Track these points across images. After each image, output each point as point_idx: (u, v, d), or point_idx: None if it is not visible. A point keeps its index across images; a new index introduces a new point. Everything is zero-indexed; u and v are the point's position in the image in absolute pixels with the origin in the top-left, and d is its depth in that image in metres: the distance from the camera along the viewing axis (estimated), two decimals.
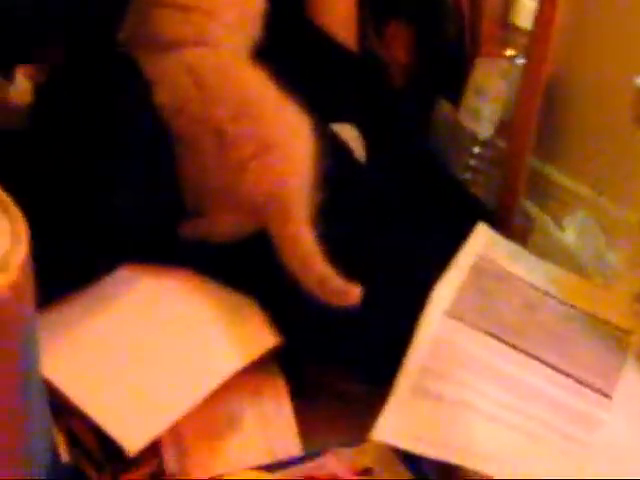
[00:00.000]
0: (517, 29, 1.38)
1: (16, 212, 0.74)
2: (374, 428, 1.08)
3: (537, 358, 1.19)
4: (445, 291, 1.23)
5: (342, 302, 1.09)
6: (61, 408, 1.03)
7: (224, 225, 1.12)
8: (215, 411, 1.12)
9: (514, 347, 1.20)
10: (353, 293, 1.10)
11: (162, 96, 1.13)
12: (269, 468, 1.08)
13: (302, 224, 1.10)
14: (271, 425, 1.15)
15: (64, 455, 1.01)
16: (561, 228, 1.45)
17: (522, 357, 1.19)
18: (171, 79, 1.13)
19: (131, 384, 1.08)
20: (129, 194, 1.13)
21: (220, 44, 1.18)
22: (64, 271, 1.08)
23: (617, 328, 1.29)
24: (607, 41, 1.35)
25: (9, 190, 0.77)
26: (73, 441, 1.05)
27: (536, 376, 1.17)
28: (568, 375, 1.18)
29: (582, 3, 1.36)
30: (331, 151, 1.18)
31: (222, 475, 1.06)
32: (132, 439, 1.03)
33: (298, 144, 1.14)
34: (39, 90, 1.22)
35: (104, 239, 1.11)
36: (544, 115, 1.39)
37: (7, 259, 0.70)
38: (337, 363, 1.18)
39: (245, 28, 1.20)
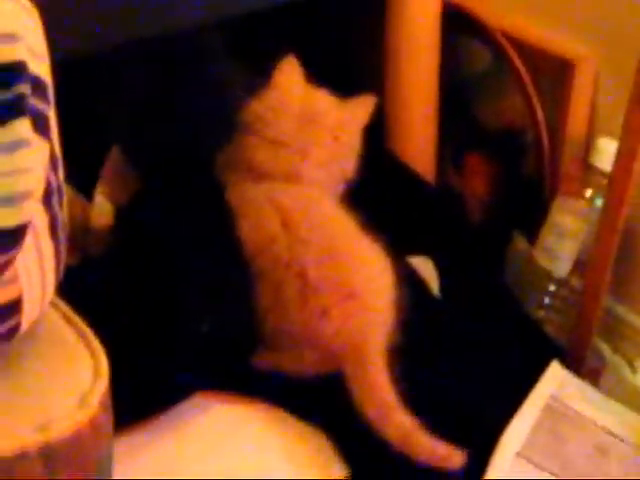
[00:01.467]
0: (597, 170, 1.37)
1: (97, 346, 0.75)
2: None
3: None
4: (517, 432, 1.23)
5: (435, 462, 1.09)
6: None
7: (302, 363, 1.13)
8: None
9: None
10: (448, 455, 1.09)
11: (247, 231, 1.13)
12: None
13: (380, 373, 1.10)
14: None
15: None
16: (633, 370, 1.42)
17: None
18: (258, 213, 1.14)
19: None
20: (212, 323, 1.12)
21: (311, 182, 1.18)
22: (145, 395, 1.09)
23: None
24: None
25: (91, 318, 0.78)
26: None
27: None
28: None
29: None
30: (407, 285, 1.18)
31: None
32: None
33: (380, 293, 1.15)
34: (120, 212, 1.20)
35: (183, 367, 1.11)
36: (621, 257, 1.37)
37: (88, 395, 0.70)
38: None
39: (337, 168, 1.20)
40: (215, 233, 1.14)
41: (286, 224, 1.13)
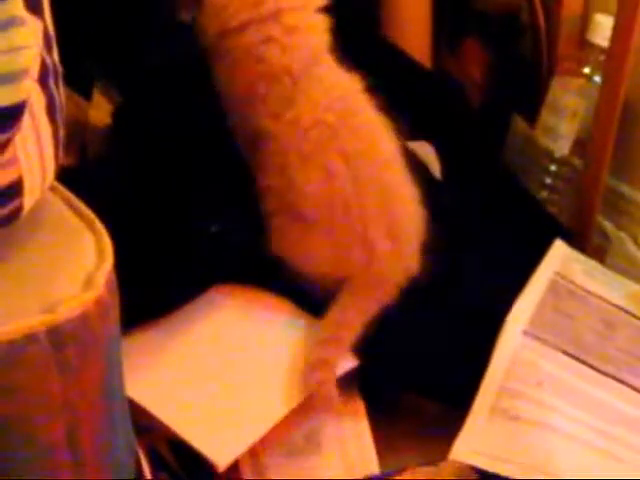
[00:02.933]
0: (594, 47, 1.37)
1: (101, 228, 0.76)
2: (452, 448, 1.08)
3: (616, 379, 1.18)
4: (523, 310, 1.23)
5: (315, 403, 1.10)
6: (142, 428, 1.03)
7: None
8: (293, 429, 1.12)
9: (592, 367, 1.19)
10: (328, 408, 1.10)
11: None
12: None
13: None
14: (349, 444, 1.15)
15: (146, 472, 1.00)
16: (638, 245, 1.42)
17: (601, 377, 1.18)
18: None
19: (216, 402, 1.09)
20: (223, 220, 1.14)
21: None
22: (158, 293, 1.11)
23: None
24: None
25: (99, 213, 0.78)
26: (154, 460, 1.06)
27: (616, 397, 1.17)
28: None
29: None
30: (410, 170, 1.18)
31: None
32: (220, 454, 1.05)
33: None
34: (120, 111, 1.20)
35: (197, 263, 1.13)
36: (621, 133, 1.38)
37: (93, 275, 0.71)
38: (415, 385, 1.17)
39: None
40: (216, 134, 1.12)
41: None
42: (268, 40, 1.08)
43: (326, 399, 1.09)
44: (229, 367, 1.12)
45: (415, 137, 1.39)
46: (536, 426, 1.12)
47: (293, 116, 1.10)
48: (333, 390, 1.08)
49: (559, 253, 1.34)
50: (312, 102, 1.09)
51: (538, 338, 1.21)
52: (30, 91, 0.62)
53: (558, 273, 1.30)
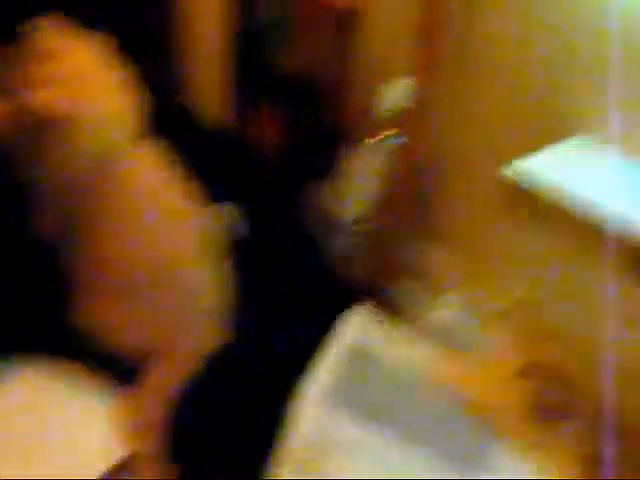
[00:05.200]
0: (391, 111, 1.37)
1: None
2: None
3: (407, 439, 1.21)
4: (322, 377, 1.25)
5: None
6: None
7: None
8: None
9: (389, 431, 1.22)
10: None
11: None
12: None
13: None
14: None
15: None
16: (436, 308, 1.45)
17: (397, 442, 1.21)
18: None
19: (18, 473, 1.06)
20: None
21: None
22: None
23: (487, 408, 1.30)
24: (479, 127, 1.38)
25: None
26: None
27: (406, 456, 1.19)
28: (438, 455, 1.20)
29: (457, 87, 1.39)
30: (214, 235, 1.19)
31: None
32: None
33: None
34: None
35: None
36: (420, 195, 1.40)
37: None
38: (212, 460, 1.16)
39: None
40: None
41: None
42: None
43: (143, 471, 1.08)
44: (30, 439, 1.10)
45: (220, 199, 1.36)
46: None
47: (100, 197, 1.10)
48: (151, 461, 1.08)
49: (357, 318, 1.35)
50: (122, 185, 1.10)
51: (336, 404, 1.22)
52: None
53: (356, 338, 1.32)
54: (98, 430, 1.13)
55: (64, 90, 1.09)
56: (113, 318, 1.16)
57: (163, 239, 1.18)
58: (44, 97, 1.08)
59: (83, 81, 1.13)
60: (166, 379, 1.12)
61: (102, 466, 1.09)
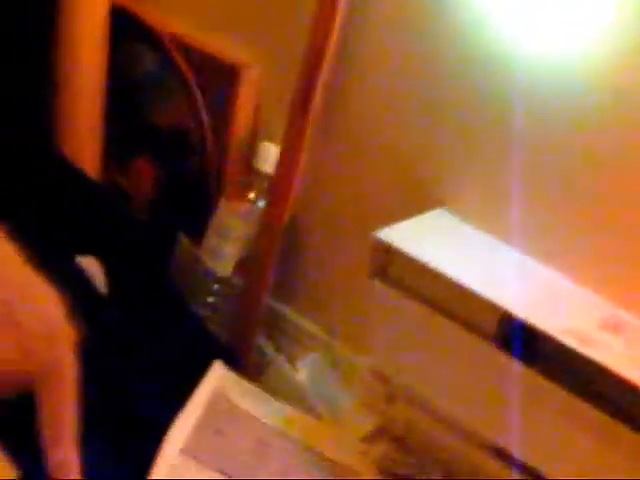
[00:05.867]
0: (260, 173, 1.43)
1: None
2: None
3: None
4: (181, 428, 1.24)
5: None
6: None
7: None
8: None
9: None
10: None
11: None
12: None
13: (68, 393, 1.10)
14: None
15: None
16: (294, 367, 1.48)
17: None
18: None
19: None
20: None
21: None
22: None
23: (347, 468, 1.32)
24: (346, 193, 1.43)
25: None
26: None
27: None
28: None
29: (326, 153, 1.44)
30: (74, 286, 1.17)
31: None
32: None
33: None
34: None
35: None
36: (283, 257, 1.45)
37: None
38: None
39: None
40: None
41: None
42: None
43: None
44: None
45: (84, 251, 1.34)
46: None
47: None
48: None
49: (218, 373, 1.36)
50: None
51: (195, 457, 1.22)
52: None
53: (216, 393, 1.33)
54: None
55: None
56: None
57: None
58: None
59: None
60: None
61: None
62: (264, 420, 1.34)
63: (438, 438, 1.31)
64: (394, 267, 1.23)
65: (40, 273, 1.11)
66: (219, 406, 1.32)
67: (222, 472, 1.22)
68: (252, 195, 1.42)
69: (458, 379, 1.23)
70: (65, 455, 1.07)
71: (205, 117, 1.47)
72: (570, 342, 1.10)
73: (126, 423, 1.19)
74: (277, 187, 1.38)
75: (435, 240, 1.24)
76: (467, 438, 1.25)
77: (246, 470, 1.24)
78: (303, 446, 1.32)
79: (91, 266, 1.35)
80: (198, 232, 1.50)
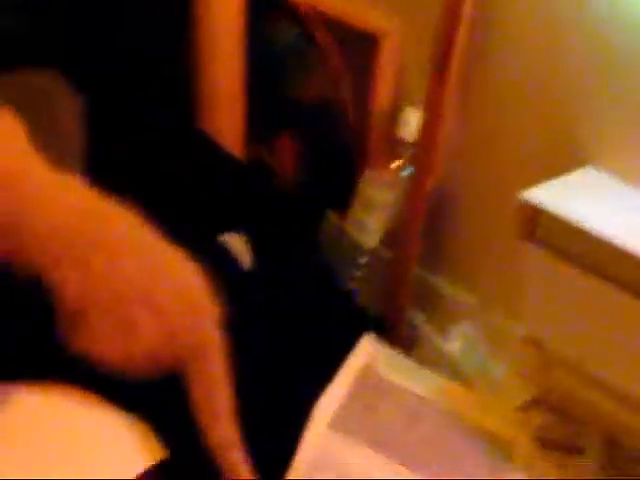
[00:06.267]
0: (403, 141, 1.42)
1: None
2: None
3: (416, 470, 1.20)
4: (329, 402, 1.24)
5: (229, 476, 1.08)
6: None
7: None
8: None
9: (394, 459, 1.21)
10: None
11: None
12: None
13: (220, 373, 1.14)
14: None
15: None
16: (446, 338, 1.46)
17: (401, 468, 1.20)
18: None
19: None
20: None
21: None
22: None
23: (501, 438, 1.29)
24: (490, 155, 1.40)
25: None
26: None
27: None
28: None
29: (469, 117, 1.41)
30: (220, 263, 1.19)
31: None
32: None
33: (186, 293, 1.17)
34: None
35: None
36: (431, 226, 1.42)
37: None
38: None
39: None
40: None
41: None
42: None
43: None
44: (30, 468, 1.08)
45: (229, 228, 1.37)
46: None
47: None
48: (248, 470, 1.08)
49: (367, 346, 1.35)
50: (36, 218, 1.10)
51: (342, 431, 1.21)
52: None
53: (366, 367, 1.31)
54: (124, 439, 1.13)
55: None
56: (94, 340, 1.14)
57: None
58: None
59: None
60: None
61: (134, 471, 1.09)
62: (416, 392, 1.32)
63: (597, 405, 1.27)
64: (542, 228, 1.20)
65: (183, 252, 1.15)
66: (369, 380, 1.31)
67: (370, 446, 1.21)
68: (396, 164, 1.41)
69: (615, 343, 1.19)
70: (225, 432, 1.11)
71: (347, 89, 1.45)
72: None
73: (275, 397, 1.19)
74: (421, 154, 1.37)
75: (583, 198, 1.19)
76: (627, 404, 1.21)
77: (394, 443, 1.23)
78: (457, 417, 1.30)
79: (236, 243, 1.34)
80: (344, 205, 1.49)
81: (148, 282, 1.13)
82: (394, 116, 1.45)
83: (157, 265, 1.15)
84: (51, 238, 1.10)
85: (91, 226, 1.12)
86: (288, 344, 1.29)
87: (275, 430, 1.17)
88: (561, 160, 1.26)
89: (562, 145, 1.28)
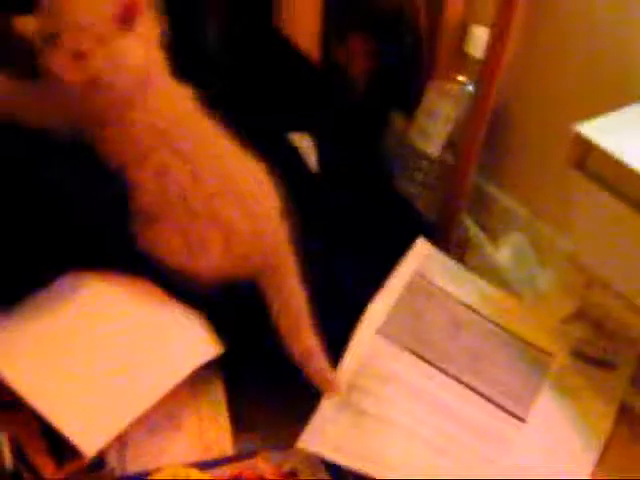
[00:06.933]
0: (470, 56, 1.46)
1: None
2: (300, 436, 1.17)
3: (456, 378, 1.28)
4: (379, 308, 1.30)
5: (322, 387, 1.18)
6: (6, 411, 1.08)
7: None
8: (155, 409, 1.16)
9: (436, 366, 1.28)
10: (335, 383, 1.18)
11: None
12: (202, 465, 1.16)
13: (294, 284, 1.21)
14: (208, 425, 1.22)
15: (8, 460, 1.06)
16: (496, 246, 1.51)
17: (442, 376, 1.27)
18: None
19: (84, 386, 1.12)
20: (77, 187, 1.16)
21: None
22: (11, 277, 1.11)
23: (540, 349, 1.36)
24: (552, 80, 1.42)
25: None
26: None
27: (453, 395, 1.26)
28: (484, 396, 1.26)
29: (534, 41, 1.42)
30: (287, 165, 1.27)
31: (157, 470, 1.12)
32: (88, 441, 1.07)
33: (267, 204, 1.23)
34: None
35: (51, 241, 1.14)
36: (490, 137, 1.47)
37: None
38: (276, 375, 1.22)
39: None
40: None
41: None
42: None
43: (327, 382, 1.19)
44: (97, 352, 1.15)
45: (298, 128, 1.44)
46: (378, 421, 1.20)
47: (128, 122, 1.15)
48: (331, 372, 1.18)
49: (421, 250, 1.40)
50: (145, 111, 1.16)
51: (389, 337, 1.28)
52: None
53: (417, 271, 1.37)
54: (188, 330, 1.19)
55: None
56: (175, 242, 1.20)
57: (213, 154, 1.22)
58: None
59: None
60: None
61: (196, 360, 1.16)
62: (462, 299, 1.38)
63: (633, 325, 1.33)
64: (593, 161, 1.21)
65: (253, 155, 1.20)
66: (419, 285, 1.36)
67: (413, 352, 1.28)
68: (462, 78, 1.46)
69: None
70: (307, 342, 1.20)
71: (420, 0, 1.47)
72: None
73: (329, 299, 1.24)
74: (486, 70, 1.40)
75: (636, 135, 1.19)
76: None
77: (436, 349, 1.29)
78: (497, 325, 1.36)
79: (304, 143, 1.43)
80: (408, 112, 1.54)
81: (224, 203, 1.19)
82: (463, 32, 1.48)
83: (235, 185, 1.21)
84: (147, 132, 1.16)
85: (180, 135, 1.17)
86: (346, 246, 1.36)
87: (326, 331, 1.23)
88: (619, 94, 1.28)
89: (621, 80, 1.30)
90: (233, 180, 1.19)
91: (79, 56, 1.08)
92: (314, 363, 1.18)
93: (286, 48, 1.48)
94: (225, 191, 1.18)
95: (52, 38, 1.07)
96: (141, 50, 1.11)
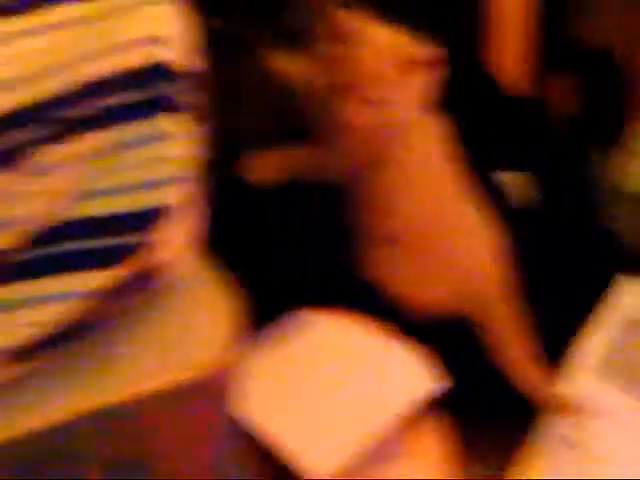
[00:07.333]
0: None
1: (234, 290, 0.85)
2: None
3: None
4: (592, 343, 1.33)
5: (558, 412, 1.23)
6: None
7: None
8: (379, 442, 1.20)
9: None
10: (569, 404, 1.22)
11: None
12: None
13: (511, 329, 1.24)
14: (428, 463, 1.24)
15: None
16: None
17: None
18: None
19: (313, 421, 1.17)
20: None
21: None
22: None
23: None
24: None
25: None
26: None
27: None
28: None
29: None
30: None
31: None
32: (320, 469, 1.12)
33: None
34: None
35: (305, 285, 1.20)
36: None
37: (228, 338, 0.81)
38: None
39: None
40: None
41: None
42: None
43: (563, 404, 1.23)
44: (328, 385, 1.20)
45: (509, 167, 1.47)
46: (592, 458, 1.23)
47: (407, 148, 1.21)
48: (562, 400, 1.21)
49: (633, 289, 1.42)
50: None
51: (606, 374, 1.32)
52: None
53: (630, 308, 1.41)
54: (403, 367, 1.23)
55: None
56: (405, 271, 1.25)
57: (448, 190, 1.26)
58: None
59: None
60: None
61: (412, 398, 1.20)
62: None
63: None
64: None
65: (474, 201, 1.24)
66: (634, 321, 1.38)
67: (624, 390, 1.30)
68: None
69: None
70: (531, 375, 1.25)
71: (635, 35, 1.50)
72: None
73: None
74: None
75: None
76: None
77: None
78: None
79: (518, 182, 1.47)
80: (615, 147, 1.55)
81: (457, 240, 1.23)
82: None
83: (465, 223, 1.25)
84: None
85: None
86: (550, 278, 1.38)
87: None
88: None
89: None
90: (463, 217, 1.23)
91: (372, 103, 1.09)
92: (542, 395, 1.25)
93: (496, 84, 1.53)
94: (458, 228, 1.21)
95: (342, 88, 1.08)
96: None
